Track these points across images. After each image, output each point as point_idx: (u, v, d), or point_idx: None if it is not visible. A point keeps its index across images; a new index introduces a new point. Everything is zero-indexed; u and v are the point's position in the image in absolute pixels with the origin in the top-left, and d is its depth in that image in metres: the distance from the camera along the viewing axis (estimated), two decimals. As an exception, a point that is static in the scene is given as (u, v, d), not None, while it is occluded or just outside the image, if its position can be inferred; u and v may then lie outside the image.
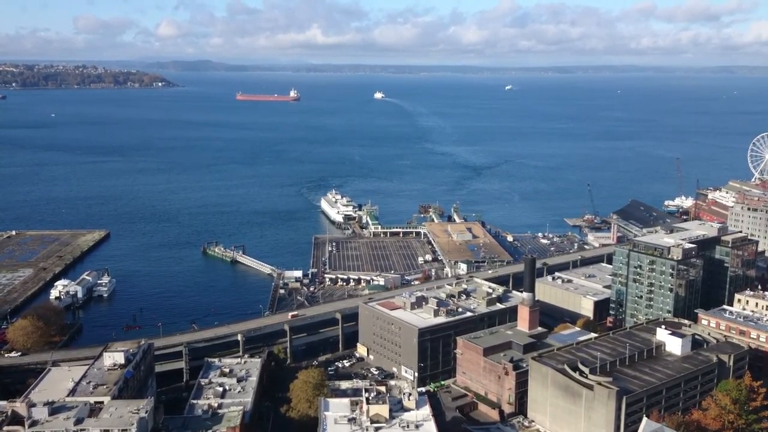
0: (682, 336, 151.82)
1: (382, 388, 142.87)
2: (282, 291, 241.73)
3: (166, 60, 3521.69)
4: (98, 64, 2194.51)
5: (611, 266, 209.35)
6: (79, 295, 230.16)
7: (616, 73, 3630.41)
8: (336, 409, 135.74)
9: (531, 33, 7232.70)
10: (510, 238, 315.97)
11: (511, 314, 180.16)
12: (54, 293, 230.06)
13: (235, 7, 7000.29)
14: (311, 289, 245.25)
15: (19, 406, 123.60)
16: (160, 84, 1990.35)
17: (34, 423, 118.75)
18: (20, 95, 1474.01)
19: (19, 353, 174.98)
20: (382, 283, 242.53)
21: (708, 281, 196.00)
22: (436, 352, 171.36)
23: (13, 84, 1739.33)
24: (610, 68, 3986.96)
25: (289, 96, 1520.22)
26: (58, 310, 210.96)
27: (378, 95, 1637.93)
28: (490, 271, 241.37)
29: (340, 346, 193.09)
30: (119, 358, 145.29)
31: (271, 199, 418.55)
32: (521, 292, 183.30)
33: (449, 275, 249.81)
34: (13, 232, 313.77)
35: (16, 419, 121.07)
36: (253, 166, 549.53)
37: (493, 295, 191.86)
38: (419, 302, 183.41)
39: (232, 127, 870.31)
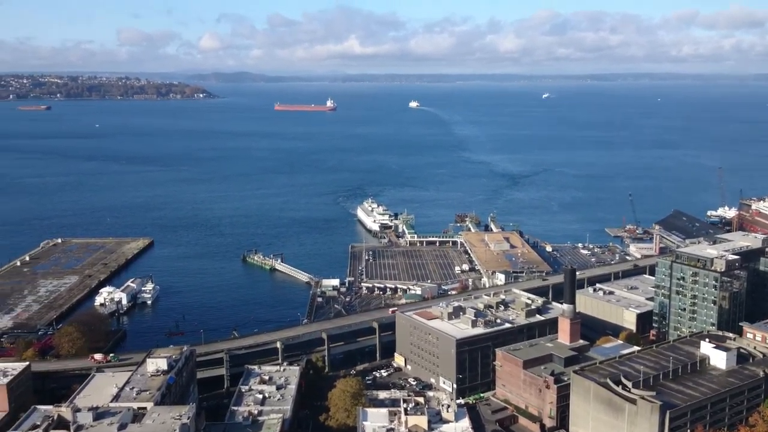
0: (726, 350, 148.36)
1: (420, 399, 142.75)
2: (320, 299, 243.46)
3: (207, 72, 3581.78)
4: (141, 75, 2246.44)
5: (654, 278, 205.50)
6: (124, 302, 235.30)
7: (656, 81, 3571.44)
8: (374, 419, 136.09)
9: (569, 41, 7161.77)
10: (549, 249, 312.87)
11: (551, 326, 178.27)
12: (99, 300, 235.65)
13: (275, 19, 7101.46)
14: (348, 298, 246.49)
15: (65, 411, 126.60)
16: (201, 95, 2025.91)
17: (79, 428, 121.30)
18: (65, 106, 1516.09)
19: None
20: (418, 292, 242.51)
21: (753, 293, 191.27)
22: (474, 364, 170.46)
23: (58, 95, 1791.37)
24: (650, 76, 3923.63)
25: (325, 106, 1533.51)
26: (102, 316, 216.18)
27: (413, 104, 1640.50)
28: (535, 280, 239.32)
29: (377, 355, 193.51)
30: (162, 364, 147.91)
31: (308, 208, 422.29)
32: (561, 303, 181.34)
33: (487, 285, 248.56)
34: (59, 240, 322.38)
35: (61, 424, 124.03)
36: (291, 175, 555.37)
37: (533, 307, 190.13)
38: (456, 312, 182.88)
39: (271, 137, 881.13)
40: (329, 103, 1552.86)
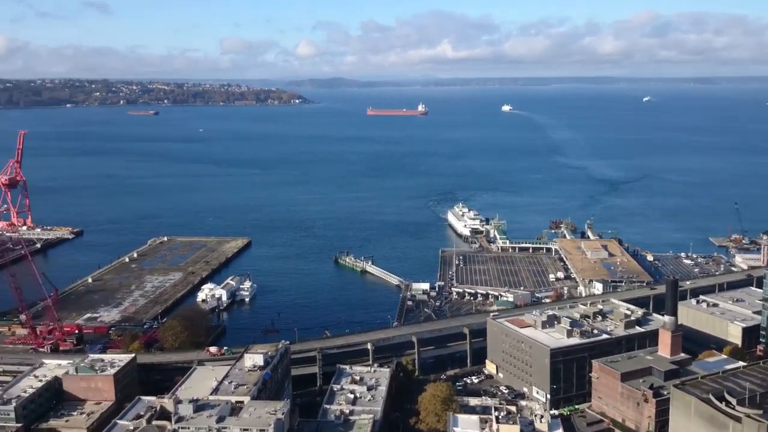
0: None
1: (513, 408, 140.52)
2: (410, 303, 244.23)
3: (303, 78, 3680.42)
4: (241, 82, 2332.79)
5: (761, 290, 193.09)
6: (224, 298, 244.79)
7: (765, 84, 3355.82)
8: (465, 426, 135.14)
9: (671, 43, 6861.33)
10: (650, 258, 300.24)
11: (651, 338, 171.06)
12: (201, 296, 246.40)
13: (369, 25, 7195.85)
14: (438, 302, 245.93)
15: (167, 402, 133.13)
16: (297, 101, 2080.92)
17: (180, 419, 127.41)
18: (171, 111, 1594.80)
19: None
20: (511, 299, 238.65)
21: None
22: (569, 374, 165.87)
23: (165, 101, 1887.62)
24: (758, 79, 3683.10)
25: (417, 110, 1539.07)
26: (204, 312, 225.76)
27: (506, 108, 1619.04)
28: (635, 290, 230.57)
29: (468, 361, 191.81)
30: (259, 360, 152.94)
31: (399, 212, 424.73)
32: (662, 315, 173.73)
33: (583, 294, 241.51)
34: (165, 238, 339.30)
35: (163, 415, 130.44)
36: (383, 179, 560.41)
37: (632, 318, 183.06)
38: (551, 321, 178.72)
39: (363, 142, 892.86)
40: (421, 108, 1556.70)
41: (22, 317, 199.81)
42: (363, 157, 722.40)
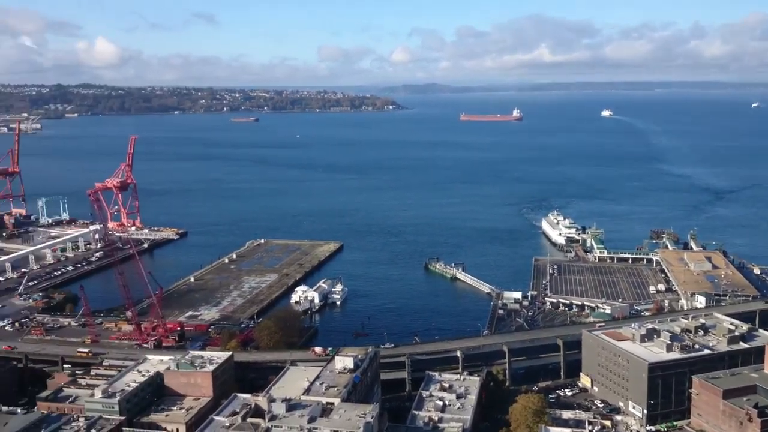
0: None
1: (607, 423, 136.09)
2: (501, 311, 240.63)
3: (397, 84, 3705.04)
4: (337, 89, 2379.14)
5: None
6: (316, 301, 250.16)
7: None
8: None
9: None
10: (756, 271, 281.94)
11: (756, 355, 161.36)
12: (294, 298, 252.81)
13: (464, 31, 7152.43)
14: (530, 312, 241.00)
15: (261, 401, 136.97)
16: (391, 107, 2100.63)
17: (273, 417, 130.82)
18: (270, 118, 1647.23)
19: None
20: (608, 311, 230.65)
21: None
22: (668, 390, 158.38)
23: (265, 108, 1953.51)
24: None
25: (511, 116, 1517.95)
26: (297, 313, 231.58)
27: (605, 113, 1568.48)
28: (740, 304, 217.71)
29: (562, 373, 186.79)
30: (349, 362, 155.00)
31: (491, 218, 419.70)
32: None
33: (685, 308, 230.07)
34: (262, 241, 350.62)
35: (258, 412, 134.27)
36: (475, 185, 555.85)
37: (736, 333, 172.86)
38: (650, 335, 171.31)
39: (456, 147, 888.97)
40: (515, 113, 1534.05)
41: (128, 314, 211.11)
42: (456, 162, 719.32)
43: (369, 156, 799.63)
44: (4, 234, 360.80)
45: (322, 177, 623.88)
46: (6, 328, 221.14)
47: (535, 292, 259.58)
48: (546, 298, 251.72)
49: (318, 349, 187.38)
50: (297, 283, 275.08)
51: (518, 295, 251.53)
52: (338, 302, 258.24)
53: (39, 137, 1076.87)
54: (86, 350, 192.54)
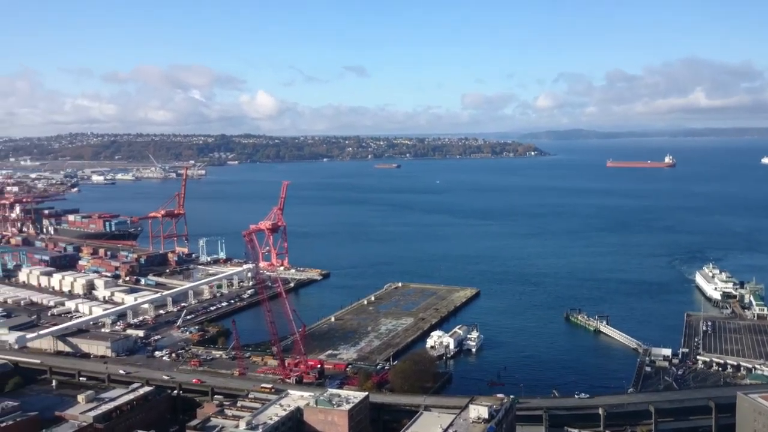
0: None
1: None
2: (648, 369, 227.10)
3: (539, 130, 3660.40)
4: (478, 136, 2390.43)
5: None
6: (451, 346, 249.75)
7: None
8: None
9: None
10: None
11: None
12: (429, 342, 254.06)
13: (614, 75, 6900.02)
14: (680, 370, 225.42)
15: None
16: (532, 153, 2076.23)
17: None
18: (412, 165, 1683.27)
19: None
20: (767, 373, 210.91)
21: None
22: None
23: (407, 155, 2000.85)
24: None
25: (663, 162, 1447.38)
26: (432, 358, 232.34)
27: (766, 160, 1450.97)
28: None
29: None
30: (483, 412, 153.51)
31: (639, 270, 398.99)
32: None
33: None
34: (400, 284, 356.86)
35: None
36: (621, 234, 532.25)
37: None
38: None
39: (601, 194, 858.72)
40: (667, 159, 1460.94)
41: (274, 349, 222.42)
42: (601, 210, 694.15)
43: (508, 202, 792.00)
44: (167, 270, 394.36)
45: (460, 222, 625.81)
46: (164, 358, 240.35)
47: (687, 350, 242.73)
48: (698, 357, 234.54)
49: (500, 396, 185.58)
50: (432, 328, 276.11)
51: (668, 351, 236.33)
52: (473, 349, 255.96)
53: (203, 182, 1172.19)
54: (269, 386, 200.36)
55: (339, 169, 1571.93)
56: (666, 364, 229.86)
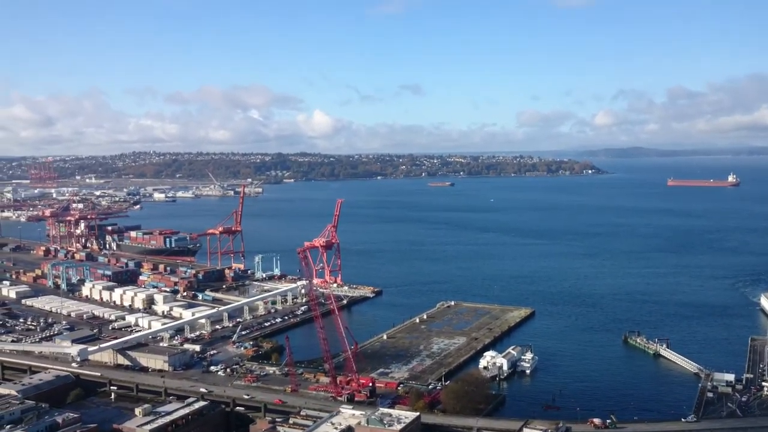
0: None
1: None
2: (710, 395, 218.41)
3: (597, 148, 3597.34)
4: (533, 154, 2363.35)
5: None
6: (505, 367, 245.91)
7: None
8: None
9: None
10: None
11: None
12: (482, 363, 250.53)
13: (676, 92, 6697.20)
14: (745, 397, 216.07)
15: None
16: (589, 171, 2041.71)
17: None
18: (465, 183, 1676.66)
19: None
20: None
21: None
22: None
23: (461, 173, 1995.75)
24: None
25: (726, 181, 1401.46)
26: (485, 379, 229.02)
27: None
28: None
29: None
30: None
31: (700, 292, 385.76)
32: None
33: None
34: (452, 303, 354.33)
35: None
36: (682, 255, 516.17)
37: None
38: None
39: (661, 214, 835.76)
40: (731, 178, 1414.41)
41: (326, 366, 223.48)
42: (660, 230, 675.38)
43: (564, 221, 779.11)
44: (224, 286, 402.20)
45: (514, 241, 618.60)
46: (219, 373, 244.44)
47: (751, 376, 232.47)
48: (763, 383, 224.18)
49: (596, 421, 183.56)
50: (485, 348, 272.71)
51: (731, 377, 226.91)
52: (528, 371, 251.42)
53: (260, 200, 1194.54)
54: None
55: (392, 186, 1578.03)
56: (729, 390, 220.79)
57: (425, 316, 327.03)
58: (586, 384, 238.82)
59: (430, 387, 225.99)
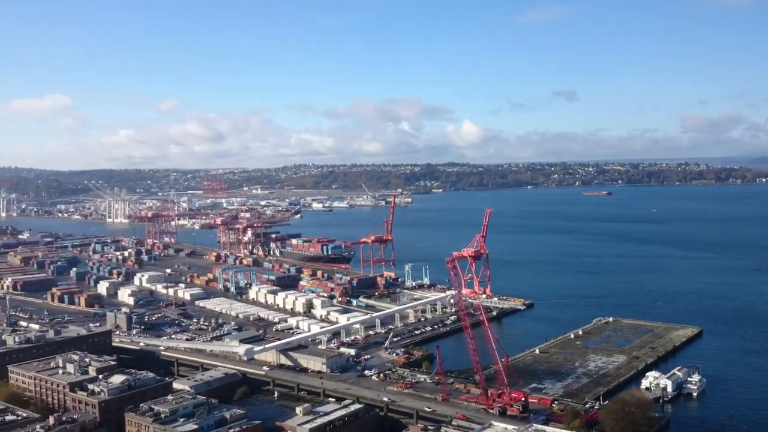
0: None
1: None
2: None
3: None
4: (700, 161, 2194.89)
5: None
6: (669, 389, 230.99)
7: None
8: None
9: None
10: None
11: None
12: (645, 383, 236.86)
13: None
14: None
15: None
16: (764, 179, 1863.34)
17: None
18: (623, 191, 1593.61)
19: None
20: None
21: None
22: None
23: (619, 181, 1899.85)
24: None
25: None
26: (647, 401, 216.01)
27: None
28: None
29: None
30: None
31: None
32: None
33: None
34: (610, 319, 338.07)
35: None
36: None
37: None
38: None
39: None
40: None
41: (477, 377, 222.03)
42: None
43: (737, 233, 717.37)
44: (376, 293, 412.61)
45: (679, 254, 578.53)
46: (372, 377, 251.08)
47: None
48: None
49: None
50: (648, 368, 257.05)
51: None
52: (695, 394, 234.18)
53: (409, 210, 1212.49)
54: None
55: (544, 196, 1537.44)
56: None
57: (580, 332, 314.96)
58: (761, 409, 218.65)
59: (587, 406, 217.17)
